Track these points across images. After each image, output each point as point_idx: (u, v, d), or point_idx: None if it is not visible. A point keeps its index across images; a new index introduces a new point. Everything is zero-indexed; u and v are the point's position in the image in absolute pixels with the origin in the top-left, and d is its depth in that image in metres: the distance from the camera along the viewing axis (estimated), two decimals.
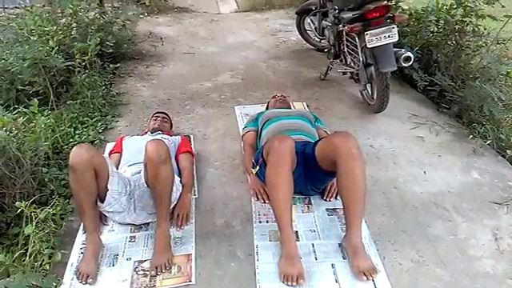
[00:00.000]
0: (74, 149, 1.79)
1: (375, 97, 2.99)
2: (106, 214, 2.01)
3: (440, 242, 1.96)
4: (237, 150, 2.70)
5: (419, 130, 2.91)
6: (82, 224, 1.96)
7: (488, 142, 2.71)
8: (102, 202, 1.90)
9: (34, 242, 1.76)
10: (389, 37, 2.71)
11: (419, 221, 2.09)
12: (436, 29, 3.58)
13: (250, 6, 6.44)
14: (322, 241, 1.95)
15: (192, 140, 2.78)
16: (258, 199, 2.22)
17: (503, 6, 3.12)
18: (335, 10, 3.30)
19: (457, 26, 3.34)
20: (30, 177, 2.12)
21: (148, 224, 2.04)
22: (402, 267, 1.82)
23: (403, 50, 2.78)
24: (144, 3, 5.99)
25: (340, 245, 1.91)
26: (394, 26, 2.72)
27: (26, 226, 1.79)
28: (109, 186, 1.87)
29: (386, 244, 1.94)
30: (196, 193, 2.29)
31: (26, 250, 1.76)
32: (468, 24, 3.29)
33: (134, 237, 1.98)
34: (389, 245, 1.94)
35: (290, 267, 1.73)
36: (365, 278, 1.72)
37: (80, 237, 1.96)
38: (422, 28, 3.64)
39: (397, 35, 2.72)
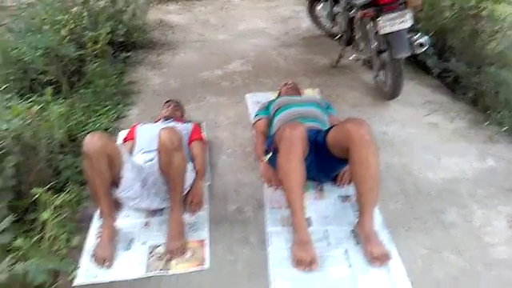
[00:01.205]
0: (87, 136, 1.80)
1: (388, 83, 2.95)
2: (121, 201, 2.03)
3: (455, 228, 1.94)
4: (248, 137, 2.70)
5: (433, 117, 2.87)
6: (97, 210, 1.99)
7: (504, 128, 2.66)
8: (117, 188, 1.91)
9: (50, 227, 1.79)
10: (402, 22, 2.66)
11: (434, 208, 2.07)
12: (450, 14, 3.50)
13: None
14: (334, 227, 1.95)
15: (204, 127, 2.78)
16: (269, 186, 2.23)
17: None
18: None
19: (472, 11, 3.27)
20: (45, 164, 2.16)
21: (162, 210, 2.06)
22: (416, 254, 1.81)
23: (417, 36, 2.72)
24: None
25: (353, 231, 1.90)
26: (407, 11, 2.66)
27: (42, 211, 1.82)
28: (122, 173, 1.89)
29: (400, 231, 1.93)
30: (209, 179, 2.30)
31: (43, 235, 1.79)
32: (484, 9, 3.22)
33: (149, 222, 2.01)
34: (403, 231, 1.93)
35: (303, 252, 1.74)
36: (378, 263, 1.72)
37: (96, 222, 2.00)
38: (437, 13, 3.56)
39: (410, 20, 2.67)
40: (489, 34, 3.25)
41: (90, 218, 2.04)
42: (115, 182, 1.90)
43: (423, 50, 2.74)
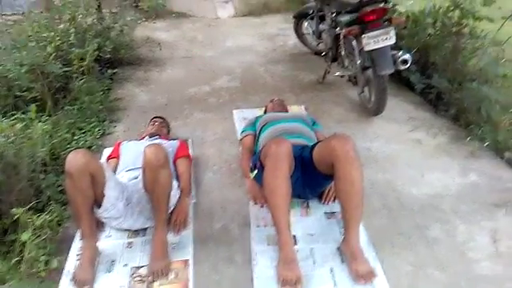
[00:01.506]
0: (70, 154, 1.78)
1: (373, 99, 2.99)
2: (103, 220, 2.00)
3: (439, 244, 1.95)
4: (235, 154, 2.69)
5: (417, 133, 2.91)
6: (78, 230, 1.96)
7: (486, 143, 2.71)
8: (99, 207, 1.89)
9: (30, 248, 1.75)
10: (386, 39, 2.72)
11: (418, 223, 2.08)
12: (433, 31, 3.58)
13: (247, 11, 6.45)
14: (320, 244, 1.95)
15: (190, 144, 2.77)
16: (255, 203, 2.22)
17: (500, 8, 3.13)
18: (332, 13, 3.32)
19: (454, 28, 3.34)
20: (26, 183, 2.12)
21: (145, 229, 2.04)
22: (401, 271, 1.81)
23: (401, 53, 2.79)
24: (142, 8, 6.00)
25: (338, 248, 1.90)
26: (391, 28, 2.72)
27: (22, 232, 1.78)
28: (105, 192, 1.86)
29: (384, 247, 1.93)
30: (194, 197, 2.29)
31: (22, 256, 1.75)
32: (465, 26, 3.29)
33: (131, 242, 1.98)
34: (387, 248, 1.93)
35: (289, 271, 1.72)
36: (363, 281, 1.71)
37: (76, 243, 1.96)
38: (419, 30, 3.64)
39: (394, 38, 2.72)
40: (470, 50, 3.32)
41: (71, 239, 2.00)
42: (98, 201, 1.87)
43: (407, 66, 2.79)
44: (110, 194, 1.89)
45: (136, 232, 2.03)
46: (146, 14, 5.48)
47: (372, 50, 2.74)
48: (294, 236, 1.96)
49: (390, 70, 2.77)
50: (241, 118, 3.13)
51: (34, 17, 3.73)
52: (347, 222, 1.84)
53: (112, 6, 4.75)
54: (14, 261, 1.72)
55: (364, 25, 2.77)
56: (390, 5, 3.72)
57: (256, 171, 2.13)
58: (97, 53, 3.40)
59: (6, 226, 1.94)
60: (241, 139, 2.61)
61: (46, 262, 1.77)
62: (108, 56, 3.88)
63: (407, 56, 2.76)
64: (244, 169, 2.43)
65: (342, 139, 1.87)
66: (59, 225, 2.05)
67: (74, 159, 1.76)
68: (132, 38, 4.66)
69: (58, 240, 1.98)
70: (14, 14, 4.66)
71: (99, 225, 2.03)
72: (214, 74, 4.04)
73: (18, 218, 1.79)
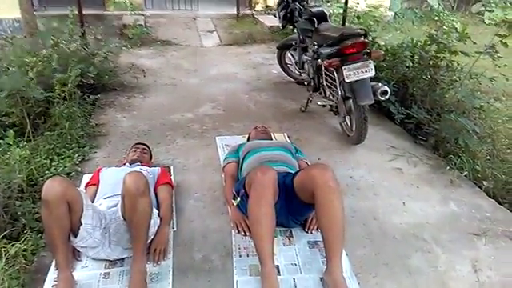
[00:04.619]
0: (47, 182, 1.74)
1: (354, 129, 3.05)
2: (80, 250, 1.93)
3: (420, 274, 1.95)
4: (217, 181, 2.67)
5: (397, 162, 2.96)
6: (53, 260, 1.88)
7: (464, 173, 2.77)
8: (76, 236, 1.83)
9: (2, 279, 1.68)
10: (366, 71, 2.81)
11: (399, 253, 2.08)
12: (411, 64, 3.72)
13: (232, 40, 6.59)
14: (303, 275, 1.92)
15: (172, 171, 2.74)
16: (238, 232, 2.19)
17: (474, 43, 3.28)
18: (314, 45, 3.41)
19: (431, 62, 3.48)
20: (1, 210, 2.05)
21: (123, 259, 1.96)
22: None
23: (380, 84, 2.88)
24: (127, 36, 6.05)
25: (321, 279, 1.87)
26: (370, 61, 2.82)
27: None
28: (82, 220, 1.81)
29: (367, 277, 1.92)
30: (174, 226, 2.24)
31: None
32: (442, 59, 3.44)
33: (109, 273, 1.90)
34: (370, 278, 1.92)
35: None
36: None
37: (52, 274, 1.87)
38: (398, 63, 3.78)
39: (373, 70, 2.82)
40: (447, 83, 3.46)
41: (46, 269, 1.91)
42: (74, 230, 1.81)
43: (386, 97, 2.87)
44: (87, 222, 1.83)
45: (113, 262, 1.95)
46: (131, 41, 5.52)
47: (352, 82, 2.83)
48: (277, 266, 1.93)
49: (370, 101, 2.84)
50: (224, 144, 3.13)
51: (16, 42, 3.71)
52: (329, 252, 1.83)
53: (97, 32, 4.78)
54: None
55: (345, 57, 2.86)
56: (370, 38, 3.86)
57: (239, 199, 2.12)
58: (79, 78, 3.38)
59: None
60: (224, 166, 2.60)
61: None
62: (91, 82, 3.86)
63: (386, 88, 2.85)
64: (227, 196, 2.41)
65: (321, 169, 1.90)
66: (34, 254, 1.97)
67: (51, 187, 1.71)
68: (116, 65, 4.66)
69: (33, 270, 1.90)
70: None
71: (75, 254, 1.96)
72: (197, 101, 4.06)
73: None
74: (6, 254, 1.75)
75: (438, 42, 3.40)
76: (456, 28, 3.70)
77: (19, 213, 2.14)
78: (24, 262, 1.84)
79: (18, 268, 1.79)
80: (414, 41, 3.76)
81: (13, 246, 1.81)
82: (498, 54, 3.14)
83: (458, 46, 3.34)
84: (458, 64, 3.46)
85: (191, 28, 7.17)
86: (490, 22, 7.88)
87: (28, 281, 1.81)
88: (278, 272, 1.91)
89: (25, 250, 1.87)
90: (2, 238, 1.81)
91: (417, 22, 8.63)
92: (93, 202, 2.09)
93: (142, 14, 7.19)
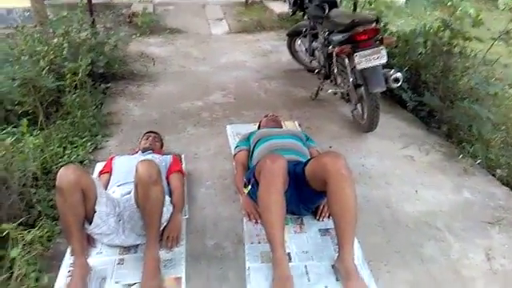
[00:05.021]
0: (61, 170, 1.76)
1: (365, 116, 3.02)
2: (94, 236, 1.96)
3: (433, 262, 1.94)
4: (228, 169, 2.68)
5: (409, 150, 2.93)
6: (69, 246, 1.91)
7: (478, 161, 2.74)
8: (90, 223, 1.85)
9: (19, 265, 1.71)
10: (377, 58, 2.76)
11: (412, 241, 2.07)
12: (424, 50, 3.65)
13: (241, 28, 6.53)
14: (314, 262, 1.92)
15: (183, 159, 2.76)
16: (249, 219, 2.20)
17: (488, 29, 3.21)
18: (325, 32, 3.36)
19: (444, 48, 3.42)
20: (17, 198, 2.08)
21: (137, 246, 1.99)
22: None
23: (392, 71, 2.83)
24: (136, 24, 6.04)
25: (333, 266, 1.88)
26: (382, 47, 2.77)
27: (12, 248, 1.74)
28: (97, 208, 1.83)
29: (379, 265, 1.92)
30: (187, 213, 2.26)
31: (12, 273, 1.70)
32: (455, 46, 3.37)
33: (123, 259, 1.93)
34: (382, 266, 1.92)
35: None
36: None
37: (67, 259, 1.91)
38: (410, 50, 3.71)
39: (385, 57, 2.77)
40: (461, 69, 3.40)
41: (62, 255, 1.95)
42: (88, 217, 1.84)
43: (398, 84, 2.83)
44: (101, 209, 1.86)
45: (128, 248, 1.98)
46: (140, 29, 5.52)
47: (364, 69, 2.79)
48: (289, 253, 1.94)
49: (381, 88, 2.80)
50: (234, 133, 3.13)
51: (27, 31, 3.72)
52: (341, 239, 1.83)
53: (106, 21, 4.78)
54: (3, 277, 1.67)
55: (356, 44, 2.81)
56: (382, 25, 3.80)
57: (250, 187, 2.12)
58: (90, 67, 3.39)
59: None
60: (235, 154, 2.60)
61: (37, 279, 1.73)
62: (101, 70, 3.88)
63: (399, 74, 2.81)
64: (238, 185, 2.42)
65: (333, 157, 1.88)
66: (50, 240, 2.01)
67: (65, 175, 1.73)
68: (126, 53, 4.67)
69: (49, 256, 1.94)
70: (8, 27, 4.65)
71: (90, 241, 1.99)
72: (207, 89, 4.05)
73: (7, 233, 1.74)
74: (22, 241, 1.77)
75: (451, 28, 3.33)
76: (470, 13, 3.61)
77: (34, 200, 2.17)
78: (40, 248, 1.86)
79: (34, 254, 1.81)
80: (427, 27, 3.69)
81: (29, 232, 1.83)
82: None
83: (471, 32, 3.27)
84: (472, 50, 3.39)
85: (200, 16, 7.14)
86: (504, 7, 7.69)
87: (44, 266, 1.84)
88: (290, 259, 1.92)
89: (41, 237, 1.89)
90: (19, 224, 1.83)
91: (429, 8, 8.45)
92: (106, 190, 2.11)
93: (151, 1, 7.17)
